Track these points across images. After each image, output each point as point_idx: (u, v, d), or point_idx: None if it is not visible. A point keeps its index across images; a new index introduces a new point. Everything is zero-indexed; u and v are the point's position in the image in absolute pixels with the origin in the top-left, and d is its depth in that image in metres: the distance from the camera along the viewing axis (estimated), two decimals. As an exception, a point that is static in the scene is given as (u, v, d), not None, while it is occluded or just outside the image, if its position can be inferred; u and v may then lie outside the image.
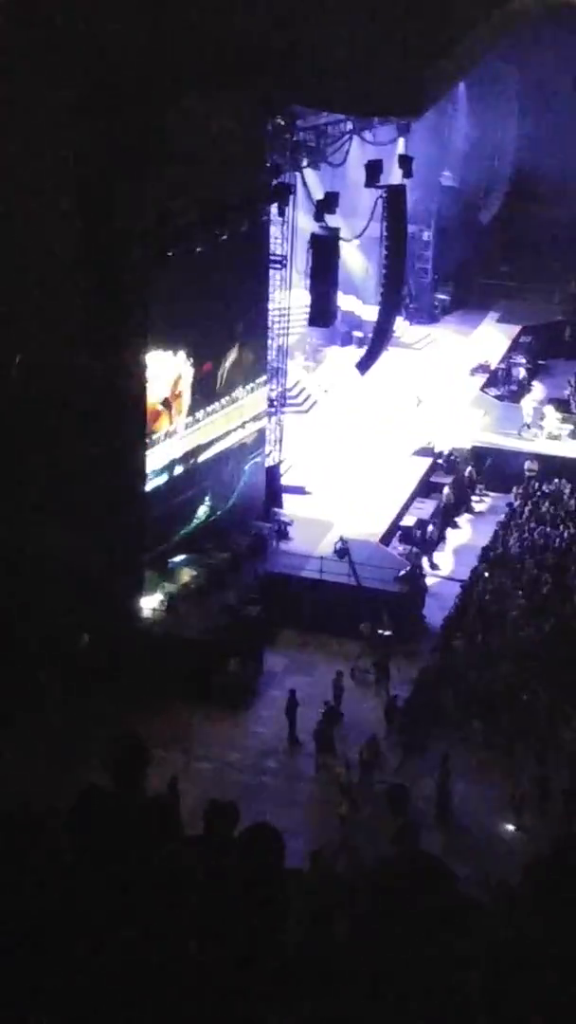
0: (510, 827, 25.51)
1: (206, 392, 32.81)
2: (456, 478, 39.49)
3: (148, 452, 30.41)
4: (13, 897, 4.86)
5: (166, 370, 30.83)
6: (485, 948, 4.77)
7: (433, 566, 35.43)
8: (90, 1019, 4.14)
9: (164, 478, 31.44)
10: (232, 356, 33.59)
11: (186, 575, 31.64)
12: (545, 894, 4.44)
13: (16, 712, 25.54)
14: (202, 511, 33.54)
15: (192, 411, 32.38)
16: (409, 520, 36.58)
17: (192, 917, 4.75)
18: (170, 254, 28.65)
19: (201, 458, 33.02)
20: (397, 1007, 3.45)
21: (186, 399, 31.88)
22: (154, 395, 30.33)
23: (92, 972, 4.31)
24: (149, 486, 30.77)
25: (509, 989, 3.97)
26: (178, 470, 31.98)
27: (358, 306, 44.85)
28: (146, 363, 29.25)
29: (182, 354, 31.29)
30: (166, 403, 31.17)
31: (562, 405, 42.69)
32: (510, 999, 3.92)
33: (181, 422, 31.88)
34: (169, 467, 31.62)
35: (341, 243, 35.41)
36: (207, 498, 33.60)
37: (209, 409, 33.05)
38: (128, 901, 4.73)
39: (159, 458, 31.12)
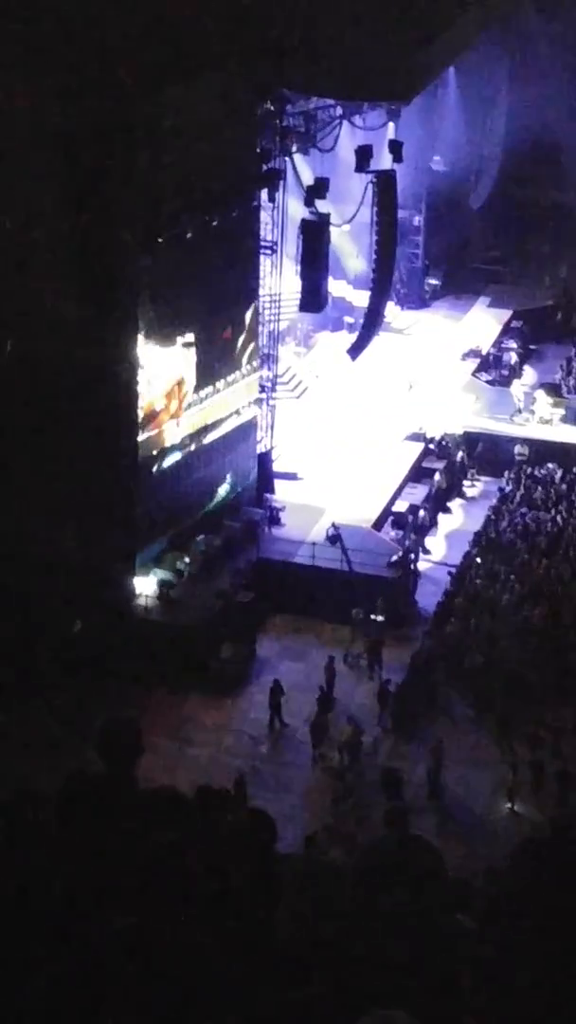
0: (503, 810, 25.59)
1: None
2: (448, 463, 39.48)
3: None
4: (7, 880, 4.88)
5: (165, 367, 30.93)
6: (476, 927, 4.80)
7: (425, 551, 35.42)
8: (85, 1003, 4.16)
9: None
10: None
11: (179, 561, 31.66)
12: (536, 876, 4.47)
13: (10, 698, 25.54)
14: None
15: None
16: (401, 505, 36.56)
17: (186, 902, 4.77)
18: (160, 240, 28.60)
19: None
20: (389, 988, 3.47)
21: (189, 387, 31.99)
22: (153, 393, 30.50)
23: (85, 956, 4.33)
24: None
25: (499, 966, 4.00)
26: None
27: (349, 291, 44.76)
28: (138, 349, 29.24)
29: (179, 344, 31.33)
30: (168, 397, 31.33)
31: (553, 390, 42.63)
32: (500, 975, 3.95)
33: (188, 405, 32.04)
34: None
35: (331, 228, 35.34)
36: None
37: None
38: (122, 886, 4.75)
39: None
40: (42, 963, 4.35)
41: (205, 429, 32.74)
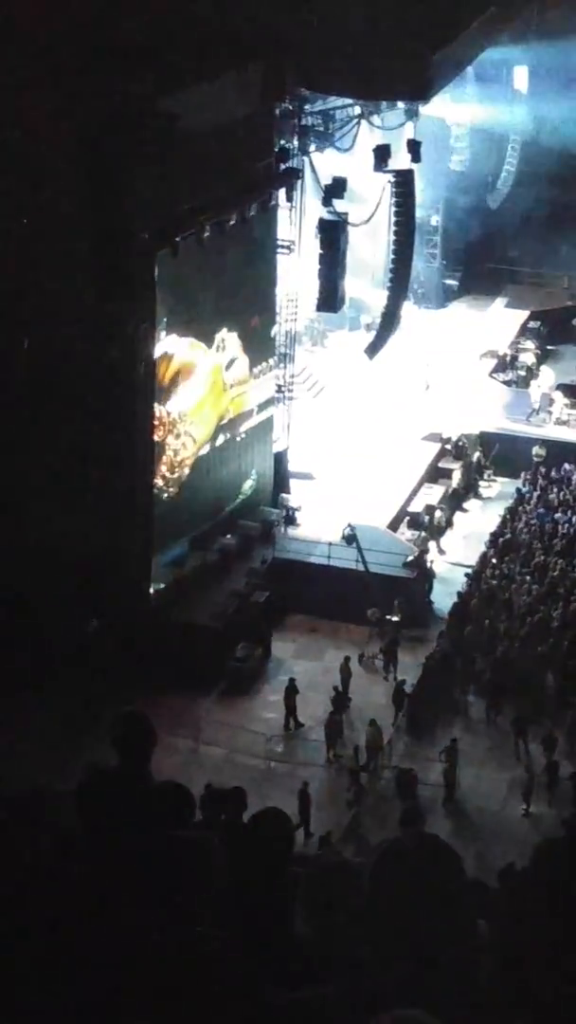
0: (518, 811, 25.54)
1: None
2: (464, 463, 39.43)
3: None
4: (19, 880, 4.87)
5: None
6: (492, 930, 4.77)
7: (441, 551, 35.40)
8: (97, 1002, 4.14)
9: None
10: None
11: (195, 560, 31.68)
12: (554, 878, 4.43)
13: (23, 695, 25.56)
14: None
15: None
16: (417, 506, 36.55)
17: (200, 902, 4.76)
18: (177, 239, 28.60)
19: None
20: (403, 990, 3.45)
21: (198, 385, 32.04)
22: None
23: (98, 955, 4.31)
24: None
25: (516, 970, 3.98)
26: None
27: (366, 291, 44.73)
28: (154, 349, 29.24)
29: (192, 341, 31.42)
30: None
31: (570, 390, 42.57)
32: (517, 979, 3.93)
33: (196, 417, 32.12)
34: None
35: (349, 228, 35.30)
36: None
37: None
38: (135, 884, 4.73)
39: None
40: (56, 961, 4.34)
41: (228, 425, 32.80)
